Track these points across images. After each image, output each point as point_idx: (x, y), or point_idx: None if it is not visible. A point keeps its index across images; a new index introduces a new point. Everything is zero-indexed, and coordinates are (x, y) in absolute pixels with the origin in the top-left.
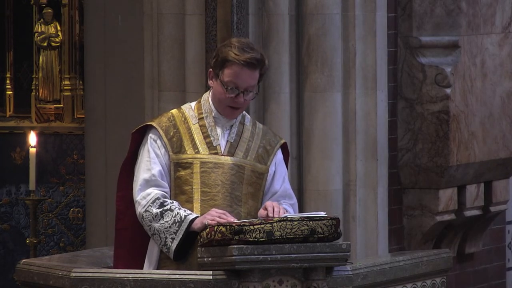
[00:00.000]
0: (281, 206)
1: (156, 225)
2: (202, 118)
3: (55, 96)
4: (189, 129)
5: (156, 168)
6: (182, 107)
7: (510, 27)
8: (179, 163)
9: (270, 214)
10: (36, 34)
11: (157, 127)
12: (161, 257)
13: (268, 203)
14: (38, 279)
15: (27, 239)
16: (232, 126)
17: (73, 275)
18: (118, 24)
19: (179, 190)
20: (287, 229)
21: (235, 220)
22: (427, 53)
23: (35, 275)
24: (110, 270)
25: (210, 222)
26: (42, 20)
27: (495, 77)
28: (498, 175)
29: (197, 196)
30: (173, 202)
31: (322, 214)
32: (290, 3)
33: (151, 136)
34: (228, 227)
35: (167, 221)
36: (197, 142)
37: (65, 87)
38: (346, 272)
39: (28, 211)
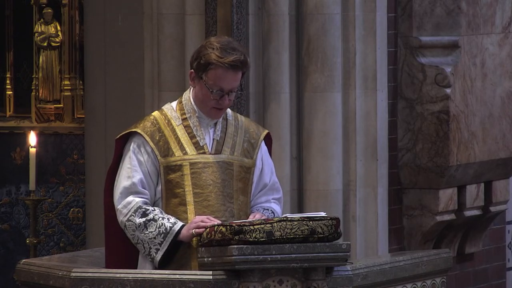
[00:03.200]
0: (265, 210)
1: (140, 235)
2: (186, 118)
3: (55, 96)
4: (174, 131)
5: (137, 176)
6: (164, 108)
7: (510, 27)
8: (169, 166)
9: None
10: (36, 34)
11: (142, 133)
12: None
13: (254, 214)
14: (38, 279)
15: (27, 239)
16: (216, 123)
17: (73, 275)
18: (118, 24)
19: (170, 193)
20: (287, 229)
21: (217, 222)
22: (427, 53)
23: (35, 275)
24: (110, 270)
25: (197, 231)
26: (42, 20)
27: (495, 77)
28: (498, 175)
29: (190, 198)
30: (155, 210)
31: (322, 214)
32: (290, 3)
33: (134, 142)
34: (228, 227)
35: (151, 232)
36: (184, 143)
37: (65, 87)
38: (346, 272)
39: (28, 211)
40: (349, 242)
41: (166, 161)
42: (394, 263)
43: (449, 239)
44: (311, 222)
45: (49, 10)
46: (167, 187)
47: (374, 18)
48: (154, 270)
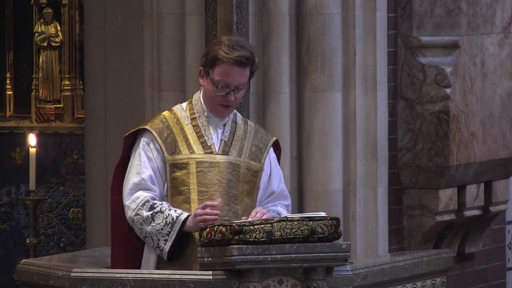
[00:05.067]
0: (271, 211)
1: (148, 228)
2: (195, 118)
3: (55, 96)
4: (182, 130)
5: (147, 173)
6: (174, 108)
7: (510, 27)
8: (175, 164)
9: (250, 218)
10: (36, 34)
11: (150, 129)
12: (158, 261)
13: (257, 209)
14: (38, 279)
15: (27, 239)
16: (225, 124)
17: (73, 275)
18: (118, 24)
19: (175, 191)
20: (287, 229)
21: (215, 203)
22: (427, 53)
23: (35, 275)
24: (110, 270)
25: (203, 224)
26: (42, 20)
27: (495, 77)
28: (498, 175)
29: (194, 196)
30: (162, 204)
31: (322, 214)
32: (290, 3)
33: (143, 139)
34: (228, 227)
35: (158, 223)
36: (191, 142)
37: (65, 87)
38: (346, 272)
39: (28, 211)
40: (349, 242)
41: (172, 159)
42: (394, 263)
43: (449, 239)
44: (311, 222)
45: (49, 10)
46: (172, 185)
47: (374, 18)
48: (154, 270)
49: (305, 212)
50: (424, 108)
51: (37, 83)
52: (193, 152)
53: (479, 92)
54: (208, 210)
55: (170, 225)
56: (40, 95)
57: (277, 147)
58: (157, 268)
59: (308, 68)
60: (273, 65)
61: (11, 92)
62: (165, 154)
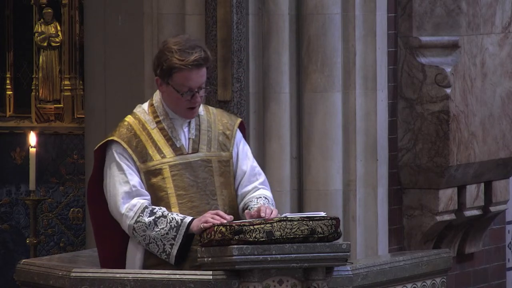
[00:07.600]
0: (274, 209)
1: (152, 233)
2: (160, 121)
3: (55, 96)
4: (149, 135)
5: (134, 179)
6: (136, 112)
7: (510, 27)
8: (149, 171)
9: (262, 214)
10: (36, 34)
11: (119, 140)
12: (146, 266)
13: (262, 208)
14: (38, 279)
15: (27, 239)
16: (189, 122)
17: (73, 275)
18: (118, 24)
19: (154, 197)
20: (287, 229)
21: (228, 217)
22: (427, 53)
23: (35, 275)
24: (110, 270)
25: (205, 225)
26: (42, 20)
27: (495, 77)
28: (498, 175)
29: (173, 200)
30: (161, 208)
31: (322, 214)
32: (290, 3)
33: (115, 150)
34: (228, 227)
35: (162, 228)
36: (161, 146)
37: (65, 87)
38: (346, 272)
39: (28, 211)
40: (349, 242)
41: (145, 166)
42: (394, 263)
43: (449, 239)
44: (311, 222)
45: (49, 10)
46: (150, 192)
47: (374, 18)
48: (154, 270)
49: (305, 212)
50: (424, 108)
51: (37, 83)
52: (164, 157)
53: (479, 92)
54: (216, 216)
55: (175, 229)
56: (40, 95)
57: (242, 127)
58: (144, 267)
59: (308, 68)
60: (273, 65)
61: (11, 92)
62: (138, 163)
